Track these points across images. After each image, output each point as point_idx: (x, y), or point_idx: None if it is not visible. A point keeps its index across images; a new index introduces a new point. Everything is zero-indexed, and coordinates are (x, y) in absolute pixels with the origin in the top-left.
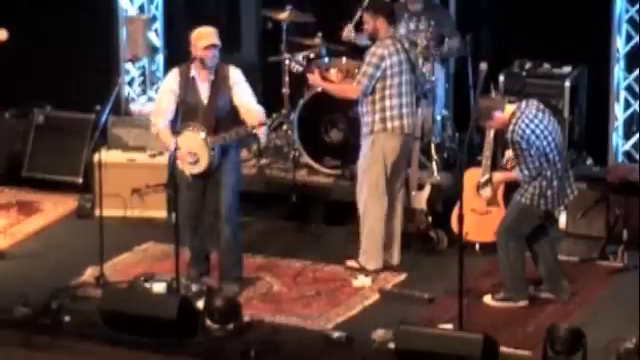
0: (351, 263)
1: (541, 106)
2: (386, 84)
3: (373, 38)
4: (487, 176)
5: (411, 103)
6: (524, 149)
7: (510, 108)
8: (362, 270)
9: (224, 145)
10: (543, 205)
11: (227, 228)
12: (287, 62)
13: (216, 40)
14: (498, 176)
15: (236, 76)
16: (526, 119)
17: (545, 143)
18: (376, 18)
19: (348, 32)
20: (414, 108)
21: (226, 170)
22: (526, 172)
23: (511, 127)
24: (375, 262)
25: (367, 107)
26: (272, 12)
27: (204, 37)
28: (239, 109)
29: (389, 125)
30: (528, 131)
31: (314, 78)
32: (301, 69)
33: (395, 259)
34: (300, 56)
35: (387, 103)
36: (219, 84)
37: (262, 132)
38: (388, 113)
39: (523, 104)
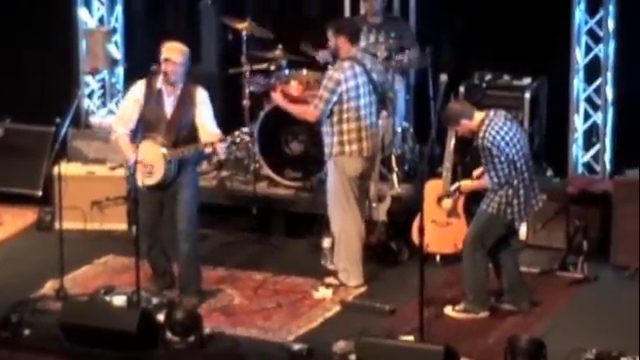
0: (330, 280)
1: (509, 115)
2: (343, 108)
3: (335, 56)
4: (456, 184)
5: (372, 125)
6: (494, 155)
7: (479, 116)
8: (342, 286)
9: (182, 159)
10: (510, 214)
11: (185, 243)
12: (246, 83)
13: (171, 55)
14: (467, 184)
15: (202, 96)
16: (495, 126)
17: (514, 151)
18: (337, 37)
19: (322, 58)
20: (377, 129)
21: (183, 185)
22: (495, 180)
23: (481, 134)
24: (356, 279)
25: (327, 128)
26: (232, 21)
27: (164, 50)
28: (198, 128)
29: (347, 149)
30: (498, 137)
31: (277, 97)
32: (261, 89)
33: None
34: (260, 77)
35: (345, 126)
36: (185, 100)
37: (219, 147)
38: (345, 137)
39: (492, 112)
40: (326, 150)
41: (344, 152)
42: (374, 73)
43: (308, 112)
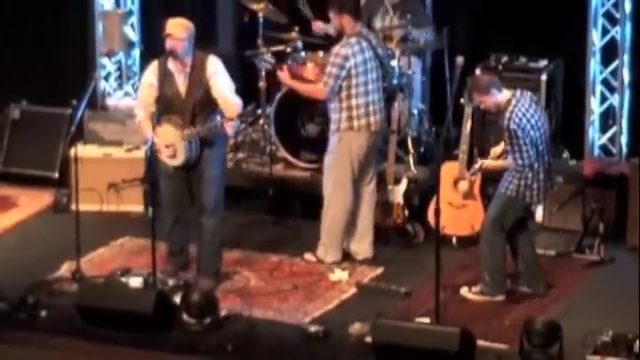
0: (308, 256)
1: (534, 97)
2: (352, 83)
3: (340, 33)
4: (478, 163)
5: (379, 100)
6: (520, 137)
7: (506, 94)
8: (319, 262)
9: (203, 138)
10: (528, 197)
11: (210, 221)
12: (257, 62)
13: (173, 30)
14: (490, 162)
15: (213, 67)
16: (522, 108)
17: (538, 134)
18: (341, 16)
19: (317, 27)
20: (382, 104)
21: (210, 162)
22: (520, 161)
23: (507, 114)
24: (333, 255)
25: (334, 105)
26: (248, 2)
27: (167, 26)
28: (218, 100)
29: (355, 123)
30: (524, 120)
31: (283, 76)
32: (270, 67)
33: (368, 252)
34: (268, 55)
35: (353, 102)
36: (195, 75)
37: (229, 126)
38: (355, 112)
39: (518, 93)
40: (332, 126)
41: (352, 127)
42: (379, 49)
43: (316, 90)
